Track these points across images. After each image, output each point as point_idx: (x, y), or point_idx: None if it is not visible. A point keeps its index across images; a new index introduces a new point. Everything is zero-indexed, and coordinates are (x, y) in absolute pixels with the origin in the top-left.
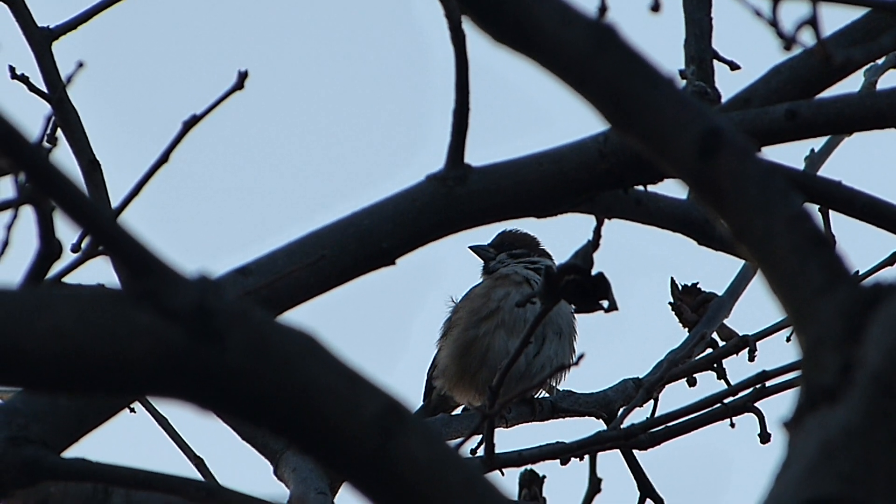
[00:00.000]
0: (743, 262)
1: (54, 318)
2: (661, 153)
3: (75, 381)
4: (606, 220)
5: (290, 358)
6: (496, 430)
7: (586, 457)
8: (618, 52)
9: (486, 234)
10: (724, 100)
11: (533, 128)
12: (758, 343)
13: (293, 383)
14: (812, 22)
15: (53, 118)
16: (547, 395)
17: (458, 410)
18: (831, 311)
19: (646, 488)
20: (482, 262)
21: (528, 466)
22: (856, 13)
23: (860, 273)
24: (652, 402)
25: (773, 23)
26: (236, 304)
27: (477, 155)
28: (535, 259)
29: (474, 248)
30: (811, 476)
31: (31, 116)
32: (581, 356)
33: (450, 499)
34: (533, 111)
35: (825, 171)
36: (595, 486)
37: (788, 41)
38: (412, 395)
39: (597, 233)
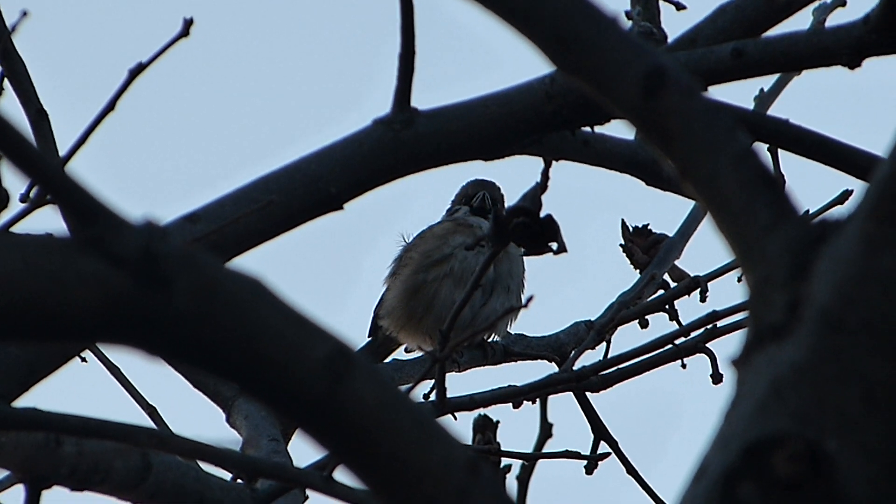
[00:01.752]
0: (693, 202)
1: (1, 264)
2: (606, 93)
3: (22, 328)
4: (554, 162)
5: (237, 303)
6: (448, 374)
7: (538, 400)
8: None
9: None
10: (670, 40)
11: (480, 71)
12: (709, 284)
13: (241, 328)
14: None
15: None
16: (498, 338)
17: (403, 349)
18: (778, 249)
19: (599, 430)
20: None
21: (482, 411)
22: None
23: (811, 212)
24: (604, 344)
25: None
26: (183, 249)
27: (424, 99)
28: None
29: (481, 201)
30: (760, 414)
31: None
32: (530, 298)
33: (400, 441)
34: (480, 54)
35: (775, 111)
36: (546, 430)
37: None
38: (360, 335)
39: (545, 175)
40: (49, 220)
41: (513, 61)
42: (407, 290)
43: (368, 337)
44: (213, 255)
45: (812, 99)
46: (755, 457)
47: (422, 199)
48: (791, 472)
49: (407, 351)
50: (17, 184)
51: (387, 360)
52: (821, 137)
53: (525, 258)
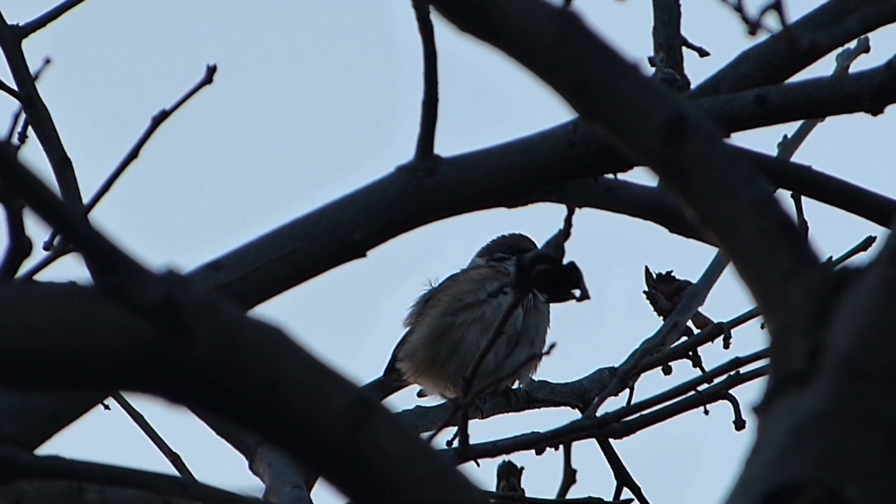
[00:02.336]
0: (717, 249)
1: (23, 314)
2: (628, 140)
3: (45, 377)
4: (577, 209)
5: (258, 351)
6: (472, 421)
7: (562, 447)
8: (583, 39)
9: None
10: (693, 86)
11: (503, 118)
12: (732, 330)
13: (262, 376)
14: (777, 6)
15: (23, 115)
16: (521, 385)
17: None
18: (799, 296)
19: (622, 477)
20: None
21: (506, 458)
22: None
23: (834, 259)
24: (627, 390)
25: (738, 8)
26: (204, 297)
27: (447, 146)
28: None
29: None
30: (781, 460)
31: (0, 114)
32: (552, 345)
33: (421, 490)
34: (502, 101)
35: (799, 157)
36: (570, 476)
37: (753, 26)
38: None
39: (568, 222)
40: (72, 268)
41: (535, 108)
42: (433, 331)
43: (382, 376)
44: (236, 303)
45: (836, 145)
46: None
47: (443, 246)
48: None
49: (419, 395)
50: (40, 232)
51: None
52: (843, 184)
53: (548, 305)
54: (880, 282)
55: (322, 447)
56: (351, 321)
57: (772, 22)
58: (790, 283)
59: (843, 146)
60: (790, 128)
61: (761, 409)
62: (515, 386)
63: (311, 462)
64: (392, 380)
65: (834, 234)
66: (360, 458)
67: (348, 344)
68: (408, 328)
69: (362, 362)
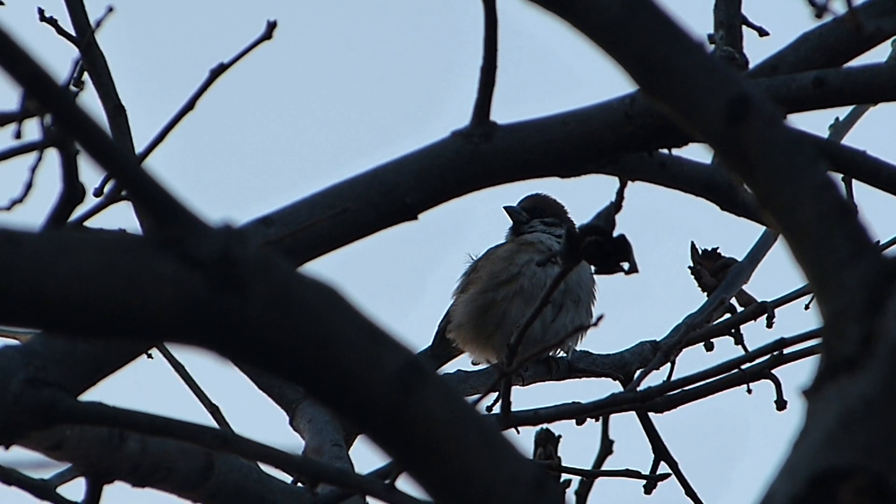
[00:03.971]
0: (764, 228)
1: (77, 262)
2: (689, 118)
3: (95, 325)
4: (630, 183)
5: (312, 310)
6: (513, 388)
7: (601, 418)
8: (649, 15)
9: (510, 192)
10: (751, 66)
11: (560, 88)
12: (776, 310)
13: (315, 336)
14: None
15: (81, 62)
16: (564, 354)
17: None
18: (855, 282)
19: (660, 451)
20: (512, 223)
21: (544, 426)
22: None
23: (882, 243)
24: (669, 365)
25: None
26: (260, 254)
27: (504, 114)
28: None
29: (508, 209)
30: (829, 445)
31: (58, 60)
32: (600, 317)
33: (468, 456)
34: (561, 71)
35: (849, 141)
36: (607, 447)
37: (819, 9)
38: (425, 345)
39: (620, 195)
40: (122, 217)
41: (593, 79)
42: (477, 308)
43: (431, 346)
44: (287, 259)
45: (887, 130)
46: (821, 488)
47: (492, 212)
48: None
49: (473, 363)
50: (92, 178)
51: (450, 369)
52: None
53: (595, 276)
54: None
55: (371, 409)
56: (400, 284)
57: (837, 5)
58: (846, 269)
59: (893, 131)
60: (842, 111)
61: (811, 393)
62: (557, 355)
63: (359, 422)
64: (443, 349)
65: (882, 218)
66: (409, 423)
67: (397, 307)
68: (452, 300)
69: (410, 326)
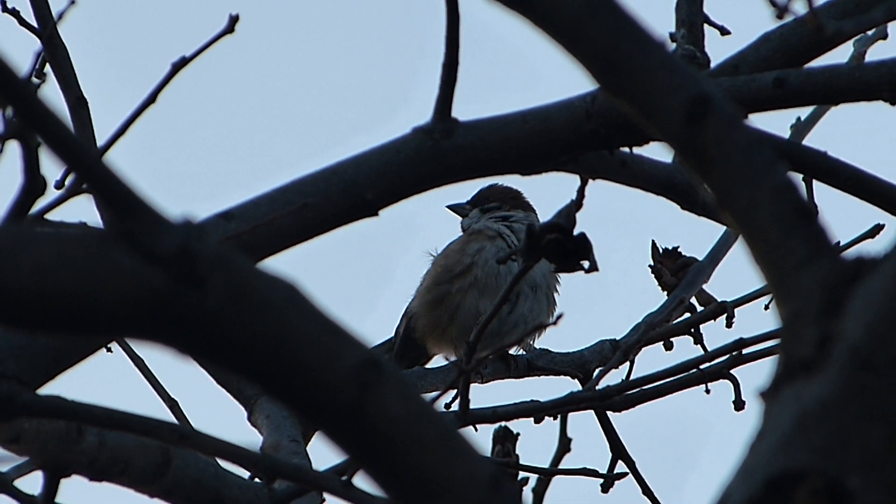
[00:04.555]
0: (724, 228)
1: (37, 255)
2: (649, 117)
3: (55, 319)
4: (591, 181)
5: (271, 306)
6: (471, 385)
7: (560, 416)
8: (610, 14)
9: (468, 189)
10: (713, 65)
11: (522, 85)
12: (736, 310)
13: (273, 331)
14: None
15: (43, 54)
16: (523, 352)
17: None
18: (813, 284)
19: (618, 450)
20: (459, 219)
21: (502, 423)
22: None
23: (841, 245)
24: (628, 364)
25: None
26: (219, 249)
27: (465, 111)
28: (507, 213)
29: (451, 207)
30: (785, 447)
31: (20, 51)
32: (559, 316)
33: (423, 453)
34: (522, 69)
35: (810, 141)
36: (565, 445)
37: (781, 9)
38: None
39: (580, 193)
40: (83, 209)
41: (555, 77)
42: (431, 300)
43: (397, 348)
44: (246, 255)
45: (849, 130)
46: (777, 490)
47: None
48: None
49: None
50: (53, 170)
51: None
52: (858, 172)
53: (556, 274)
54: (894, 273)
55: (328, 406)
56: (360, 280)
57: (798, 6)
58: (804, 271)
59: (856, 131)
60: (804, 111)
61: (768, 395)
62: (516, 352)
63: (315, 419)
64: (410, 350)
65: (842, 219)
66: (366, 419)
67: (356, 303)
68: (412, 297)
69: (370, 322)
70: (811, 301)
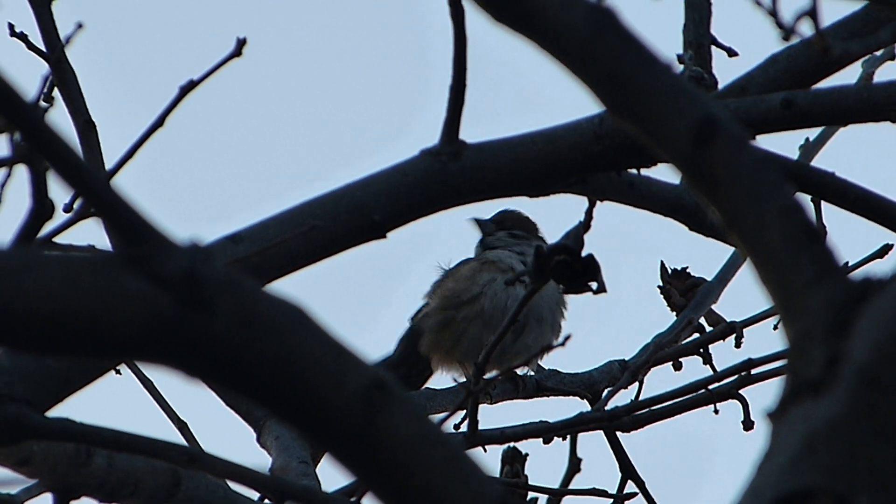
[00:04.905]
0: (733, 248)
1: (44, 278)
2: (656, 138)
3: (62, 342)
4: (599, 202)
5: (278, 329)
6: (480, 406)
7: (568, 436)
8: (617, 36)
9: (478, 211)
10: (720, 86)
11: (529, 107)
12: (745, 330)
13: (281, 354)
14: (811, 13)
15: (51, 78)
16: (532, 373)
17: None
18: (820, 304)
19: (627, 470)
20: (480, 234)
21: (511, 444)
22: (856, 5)
23: (849, 265)
24: (637, 384)
25: (773, 12)
26: (226, 272)
27: (473, 133)
28: (526, 249)
29: (476, 220)
30: (793, 467)
31: (28, 75)
32: (567, 337)
33: (431, 476)
34: (530, 91)
35: (819, 161)
36: (575, 465)
37: (787, 31)
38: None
39: (588, 214)
40: (91, 233)
41: (563, 100)
42: (437, 323)
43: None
44: (254, 277)
45: (857, 151)
46: None
47: (463, 231)
48: None
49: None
50: (61, 194)
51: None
52: (865, 192)
53: (564, 295)
54: None
55: (336, 428)
56: (368, 302)
57: (805, 28)
58: (812, 292)
59: (865, 152)
60: (812, 131)
61: (776, 415)
62: (525, 372)
63: (323, 442)
64: (413, 358)
65: (850, 239)
66: (374, 441)
67: (363, 325)
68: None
69: (376, 344)
70: (819, 321)
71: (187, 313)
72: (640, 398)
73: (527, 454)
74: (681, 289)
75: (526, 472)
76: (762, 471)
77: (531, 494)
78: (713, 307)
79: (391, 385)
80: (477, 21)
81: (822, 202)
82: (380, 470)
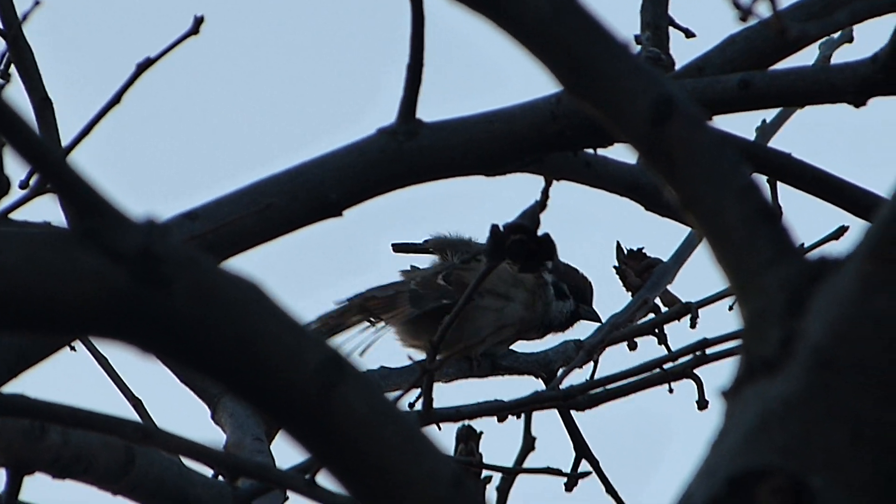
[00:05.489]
0: (689, 229)
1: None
2: (614, 119)
3: (17, 318)
4: (555, 182)
5: (235, 306)
6: (434, 384)
7: (523, 415)
8: (575, 16)
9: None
10: (678, 67)
11: (487, 87)
12: (700, 310)
13: (237, 331)
14: None
15: (7, 55)
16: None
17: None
18: (776, 284)
19: (581, 449)
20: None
21: (466, 422)
22: None
23: (805, 246)
24: (592, 364)
25: None
26: (183, 249)
27: (429, 112)
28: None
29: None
30: (747, 446)
31: None
32: (521, 318)
33: (387, 453)
34: (487, 70)
35: (776, 143)
36: (529, 444)
37: (745, 12)
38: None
39: (544, 194)
40: (48, 209)
41: (520, 79)
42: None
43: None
44: (210, 254)
45: (814, 133)
46: (739, 489)
47: (421, 210)
48: None
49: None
50: (17, 170)
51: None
52: (822, 173)
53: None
54: (857, 275)
55: (292, 405)
56: (323, 280)
57: (762, 9)
58: (768, 272)
59: (822, 134)
60: (769, 113)
61: (731, 394)
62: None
63: (279, 418)
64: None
65: (806, 220)
66: (329, 418)
67: (320, 302)
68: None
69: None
70: (774, 301)
71: (144, 289)
72: (595, 377)
73: (481, 433)
74: (636, 269)
75: (480, 450)
76: (716, 449)
77: (485, 473)
78: (669, 287)
79: (348, 363)
80: (435, 0)
81: (779, 183)
82: (335, 447)
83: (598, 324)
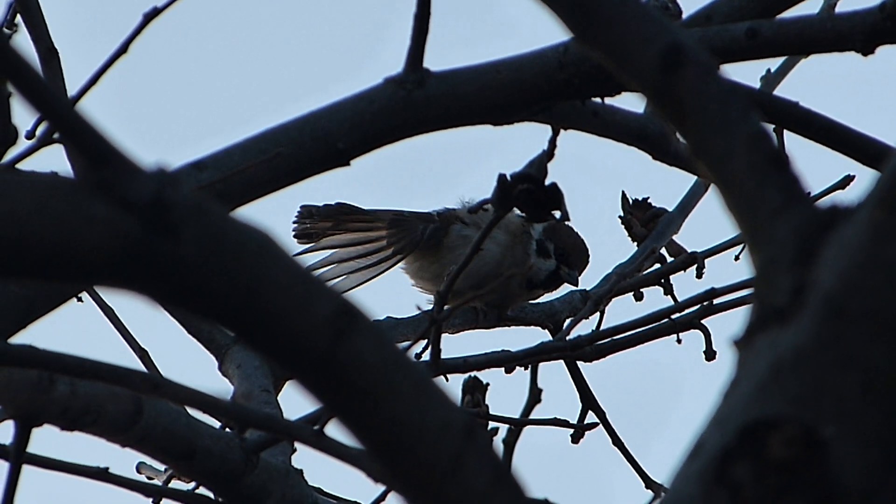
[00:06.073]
0: (695, 178)
1: (10, 203)
2: (624, 66)
3: (29, 267)
4: (562, 131)
5: (245, 255)
6: (442, 335)
7: (530, 367)
8: None
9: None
10: (685, 16)
11: (495, 36)
12: (706, 260)
13: (248, 280)
14: None
15: (14, 4)
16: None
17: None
18: (787, 232)
19: (588, 400)
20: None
21: (472, 373)
22: None
23: (812, 195)
24: (598, 314)
25: None
26: (193, 197)
27: (437, 61)
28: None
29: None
30: (759, 395)
31: None
32: (529, 266)
33: (397, 402)
34: (495, 19)
35: (781, 92)
36: (535, 395)
37: None
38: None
39: (552, 143)
40: (55, 159)
41: (528, 28)
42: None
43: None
44: (220, 203)
45: (820, 82)
46: (751, 438)
47: (430, 159)
48: (785, 455)
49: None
50: (25, 120)
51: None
52: (829, 122)
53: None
54: (868, 222)
55: (302, 354)
56: None
57: None
58: (778, 219)
59: (827, 83)
60: (774, 62)
61: (742, 343)
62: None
63: (290, 368)
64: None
65: (812, 169)
66: (340, 368)
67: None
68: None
69: None
70: (785, 249)
71: (154, 238)
72: (602, 328)
73: (488, 384)
74: (642, 219)
75: (487, 401)
76: (728, 399)
77: (492, 424)
78: (674, 237)
79: (359, 312)
80: None
81: (786, 132)
82: (345, 396)
83: (574, 288)
